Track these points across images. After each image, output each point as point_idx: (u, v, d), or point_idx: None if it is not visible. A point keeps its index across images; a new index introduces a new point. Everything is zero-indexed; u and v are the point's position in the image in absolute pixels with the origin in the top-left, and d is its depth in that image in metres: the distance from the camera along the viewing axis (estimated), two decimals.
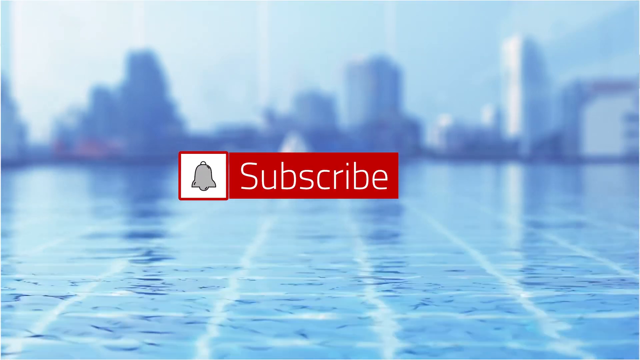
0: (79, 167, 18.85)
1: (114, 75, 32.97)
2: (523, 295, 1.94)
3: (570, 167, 17.73)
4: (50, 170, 16.18)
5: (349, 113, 35.29)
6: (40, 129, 30.70)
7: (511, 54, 34.39)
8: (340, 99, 35.52)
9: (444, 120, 36.24)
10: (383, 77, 35.71)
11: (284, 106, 33.23)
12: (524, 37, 33.86)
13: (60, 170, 16.19)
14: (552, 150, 31.88)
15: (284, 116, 32.88)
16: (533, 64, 34.30)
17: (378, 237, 3.39)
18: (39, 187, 9.42)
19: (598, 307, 1.80)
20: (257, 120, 31.21)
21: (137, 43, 31.36)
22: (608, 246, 2.95)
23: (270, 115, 31.61)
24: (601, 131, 31.03)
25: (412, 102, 33.96)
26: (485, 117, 35.25)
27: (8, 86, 28.34)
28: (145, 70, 33.46)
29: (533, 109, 34.16)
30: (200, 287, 2.07)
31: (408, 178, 11.22)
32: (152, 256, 2.72)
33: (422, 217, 4.36)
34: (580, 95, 32.83)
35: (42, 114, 31.07)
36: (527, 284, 2.11)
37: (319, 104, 35.34)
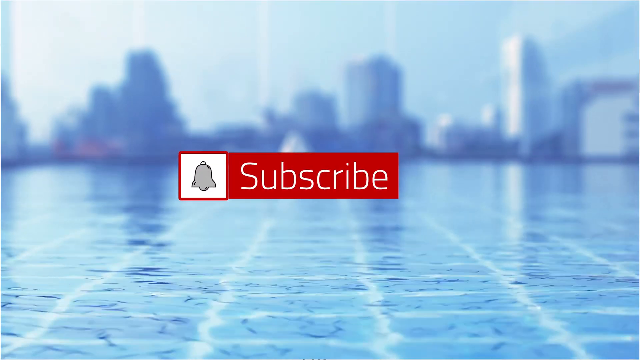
0: (79, 166, 18.85)
1: (114, 75, 32.95)
2: (523, 294, 1.94)
3: (570, 167, 17.73)
4: (50, 170, 16.18)
5: (349, 113, 35.26)
6: (40, 129, 30.68)
7: (511, 54, 34.37)
8: (340, 99, 35.50)
9: (444, 120, 36.21)
10: (383, 77, 35.68)
11: (284, 106, 33.22)
12: (524, 37, 33.84)
13: (60, 170, 16.20)
14: (552, 150, 31.86)
15: (284, 116, 32.87)
16: (533, 64, 34.27)
17: (378, 237, 3.39)
18: (39, 186, 9.42)
19: (598, 306, 1.81)
20: (257, 120, 31.20)
21: (137, 43, 31.36)
22: (608, 245, 2.96)
23: (270, 115, 31.59)
24: (601, 131, 31.01)
25: (412, 102, 33.94)
26: (485, 117, 35.22)
27: (8, 86, 28.33)
28: (145, 70, 33.44)
29: (533, 109, 34.14)
30: (201, 287, 2.07)
31: (408, 178, 11.21)
32: (152, 256, 2.72)
33: (422, 216, 4.36)
34: (580, 95, 32.81)
35: (42, 114, 31.05)
36: (527, 283, 2.11)
37: (319, 104, 35.31)
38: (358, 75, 36.42)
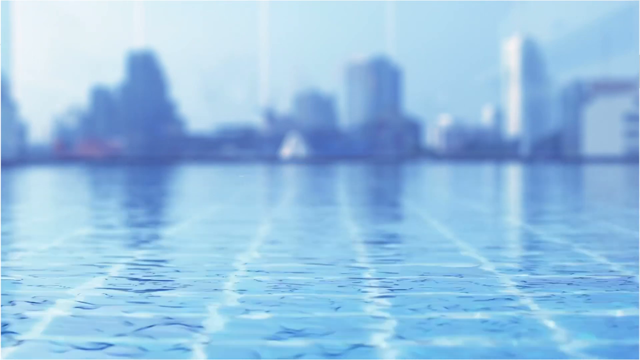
0: (79, 166, 18.85)
1: (114, 75, 32.94)
2: (523, 294, 1.94)
3: (571, 167, 17.73)
4: (50, 169, 16.18)
5: (349, 113, 35.25)
6: (40, 129, 30.66)
7: (511, 53, 34.35)
8: (340, 99, 35.49)
9: (444, 120, 36.20)
10: (383, 77, 35.66)
11: (284, 106, 33.20)
12: (524, 37, 33.83)
13: (60, 169, 16.20)
14: (552, 150, 31.86)
15: (284, 116, 32.85)
16: (533, 63, 34.26)
17: (378, 237, 3.39)
18: (39, 186, 9.42)
19: (598, 306, 1.81)
20: (257, 120, 31.19)
21: (137, 43, 31.35)
22: (608, 245, 2.96)
23: (270, 115, 31.58)
24: (601, 131, 31.02)
25: (412, 102, 33.91)
26: (485, 117, 35.21)
27: (8, 86, 28.33)
28: (145, 70, 33.42)
29: (533, 109, 34.13)
30: (202, 286, 2.07)
31: (408, 178, 11.22)
32: (152, 256, 2.73)
33: (422, 217, 4.36)
34: (580, 95, 32.81)
35: (42, 114, 31.03)
36: (527, 283, 2.11)
37: (319, 104, 35.30)
38: (358, 75, 36.42)
